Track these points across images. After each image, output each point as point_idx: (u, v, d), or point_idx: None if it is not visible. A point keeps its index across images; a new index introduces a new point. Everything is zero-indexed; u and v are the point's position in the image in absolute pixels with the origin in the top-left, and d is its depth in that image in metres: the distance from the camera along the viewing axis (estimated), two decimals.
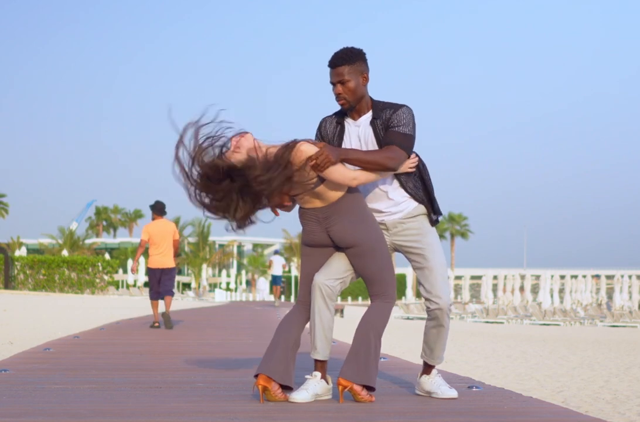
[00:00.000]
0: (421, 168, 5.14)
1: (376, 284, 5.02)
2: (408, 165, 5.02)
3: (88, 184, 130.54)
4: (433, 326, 5.14)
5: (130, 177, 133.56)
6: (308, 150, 4.80)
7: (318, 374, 5.04)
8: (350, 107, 5.01)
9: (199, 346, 9.81)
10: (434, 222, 5.17)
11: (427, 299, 5.07)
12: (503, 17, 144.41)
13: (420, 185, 5.13)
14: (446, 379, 6.15)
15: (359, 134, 5.04)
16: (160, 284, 12.93)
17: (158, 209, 13.04)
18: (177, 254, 13.07)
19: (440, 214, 5.19)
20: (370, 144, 5.02)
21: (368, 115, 5.06)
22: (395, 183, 5.09)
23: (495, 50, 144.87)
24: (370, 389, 4.94)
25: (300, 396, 4.93)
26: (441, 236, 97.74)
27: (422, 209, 5.14)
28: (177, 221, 70.91)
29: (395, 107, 5.01)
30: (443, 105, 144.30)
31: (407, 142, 4.94)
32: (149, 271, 13.11)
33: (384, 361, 7.59)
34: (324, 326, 5.00)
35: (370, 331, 4.96)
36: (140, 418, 4.38)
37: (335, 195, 4.93)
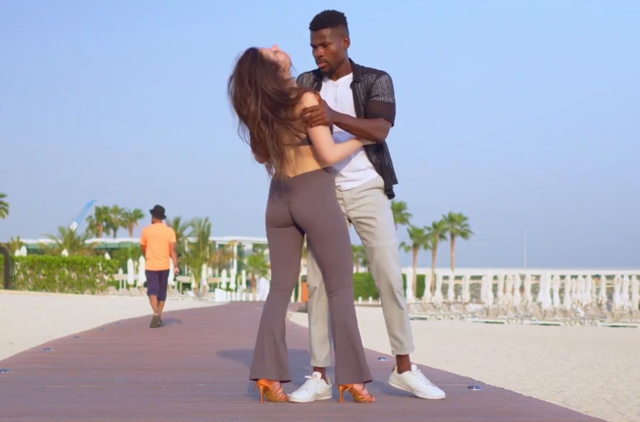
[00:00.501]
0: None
1: (336, 273, 4.94)
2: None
3: (88, 184, 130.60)
4: (391, 311, 5.09)
5: (130, 177, 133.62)
6: (309, 101, 4.84)
7: (318, 374, 5.05)
8: (330, 70, 5.01)
9: (199, 346, 9.81)
10: (390, 196, 5.15)
11: (377, 280, 5.07)
12: (503, 17, 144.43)
13: (382, 156, 5.12)
14: (446, 379, 6.16)
15: (336, 94, 5.04)
16: (159, 285, 13.73)
17: (157, 213, 13.68)
18: (172, 254, 13.73)
19: (396, 183, 5.17)
20: (347, 106, 5.02)
21: (348, 77, 5.06)
22: (361, 150, 5.09)
23: (495, 50, 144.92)
24: (368, 381, 4.94)
25: (300, 395, 4.94)
26: (441, 236, 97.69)
27: (380, 181, 5.11)
28: (177, 221, 70.98)
29: (378, 72, 5.04)
30: (443, 105, 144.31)
31: (392, 113, 5.01)
32: (147, 273, 13.80)
33: (384, 361, 7.59)
34: (321, 328, 5.06)
35: (349, 329, 4.91)
36: (140, 418, 4.38)
37: (310, 164, 4.92)
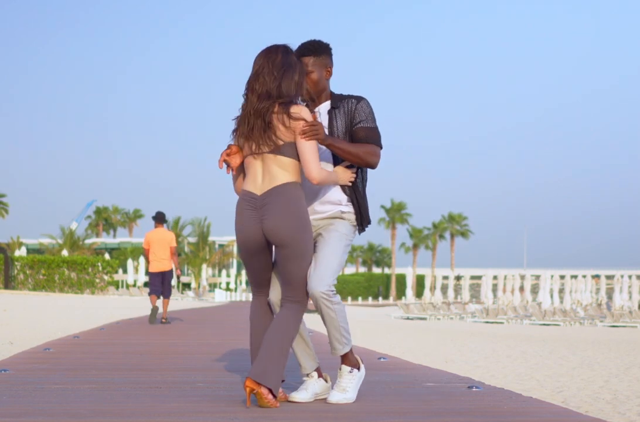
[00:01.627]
0: (358, 183, 5.10)
1: (293, 289, 4.92)
2: (348, 179, 5.02)
3: (88, 184, 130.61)
4: (320, 315, 5.08)
5: (130, 177, 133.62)
6: (307, 115, 4.84)
7: (315, 374, 5.10)
8: (310, 99, 5.04)
9: (199, 346, 9.81)
10: (360, 230, 5.15)
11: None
12: (503, 15, 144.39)
13: (358, 194, 5.10)
14: (446, 379, 6.16)
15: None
16: (162, 285, 14.85)
17: (159, 219, 14.87)
18: (173, 256, 14.93)
19: (369, 223, 5.16)
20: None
21: (326, 105, 5.09)
22: (337, 188, 5.08)
23: (494, 49, 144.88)
24: (266, 387, 4.76)
25: (300, 395, 4.97)
26: (441, 236, 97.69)
27: (351, 216, 5.09)
28: (177, 221, 71.01)
29: (357, 98, 5.06)
30: (443, 105, 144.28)
31: (379, 137, 5.04)
32: (150, 275, 14.92)
33: (384, 361, 7.60)
34: (297, 342, 5.10)
35: (278, 336, 4.85)
36: (140, 418, 4.38)
37: (280, 177, 4.84)
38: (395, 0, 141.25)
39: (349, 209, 5.07)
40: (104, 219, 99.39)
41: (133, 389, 5.54)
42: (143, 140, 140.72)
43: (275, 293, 5.03)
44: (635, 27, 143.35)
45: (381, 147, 5.05)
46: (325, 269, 4.89)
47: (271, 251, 5.03)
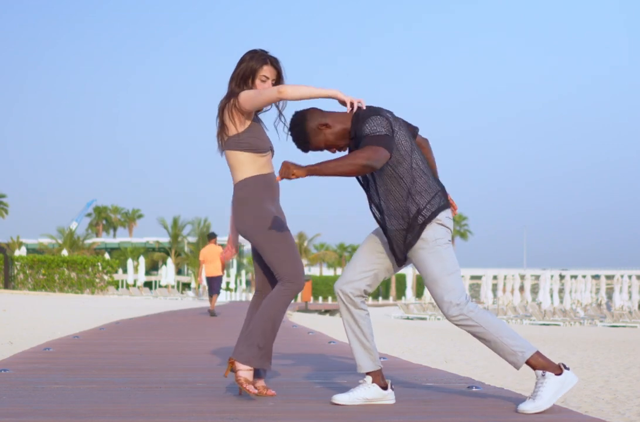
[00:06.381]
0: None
1: (276, 274, 5.09)
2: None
3: (88, 184, 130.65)
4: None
5: (129, 177, 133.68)
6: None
7: (368, 378, 4.93)
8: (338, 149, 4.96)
9: (199, 346, 9.81)
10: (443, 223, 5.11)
11: None
12: (502, 14, 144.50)
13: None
14: (446, 379, 6.16)
15: None
16: (214, 286, 19.63)
17: (210, 237, 19.61)
18: (223, 267, 19.60)
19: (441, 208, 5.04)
20: None
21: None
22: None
23: (492, 47, 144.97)
24: (246, 364, 5.04)
25: (339, 396, 4.89)
26: None
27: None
28: (176, 220, 71.02)
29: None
30: (443, 105, 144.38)
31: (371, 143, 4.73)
32: (207, 279, 19.74)
33: (384, 360, 7.60)
34: (356, 334, 4.94)
35: (265, 315, 5.07)
36: (140, 418, 4.39)
37: (235, 176, 5.15)
38: None
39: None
40: (103, 219, 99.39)
41: (133, 389, 5.55)
42: (143, 141, 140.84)
43: (338, 281, 5.00)
44: (635, 26, 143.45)
45: (378, 146, 4.64)
46: (436, 289, 4.74)
47: None
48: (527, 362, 4.71)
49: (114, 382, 5.90)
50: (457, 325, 4.78)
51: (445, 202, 4.84)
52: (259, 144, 5.09)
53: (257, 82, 5.08)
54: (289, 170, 4.53)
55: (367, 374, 4.93)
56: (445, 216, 4.82)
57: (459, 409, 4.72)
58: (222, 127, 5.08)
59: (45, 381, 5.98)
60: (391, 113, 4.90)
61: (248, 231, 5.11)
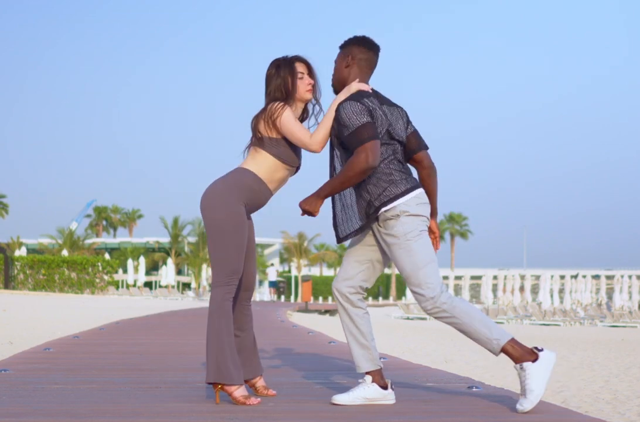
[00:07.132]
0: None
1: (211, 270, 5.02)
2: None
3: (88, 184, 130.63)
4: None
5: (129, 177, 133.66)
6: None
7: (368, 377, 4.90)
8: (334, 91, 5.04)
9: (199, 346, 9.80)
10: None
11: None
12: (502, 14, 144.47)
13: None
14: (446, 379, 6.16)
15: None
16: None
17: None
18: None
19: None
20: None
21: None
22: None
23: (492, 48, 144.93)
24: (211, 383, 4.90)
25: (338, 396, 4.87)
26: (441, 237, 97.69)
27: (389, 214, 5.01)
28: (176, 220, 71.01)
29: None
30: (442, 105, 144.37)
31: (359, 138, 4.73)
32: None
33: (383, 360, 7.59)
34: (353, 334, 4.93)
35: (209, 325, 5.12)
36: (140, 418, 4.39)
37: (251, 165, 4.99)
38: None
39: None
40: (103, 219, 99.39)
41: (133, 389, 5.55)
42: (143, 140, 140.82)
43: (335, 280, 4.99)
44: (635, 24, 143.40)
45: (367, 141, 4.67)
46: (410, 284, 4.76)
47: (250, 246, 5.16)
48: (504, 350, 4.70)
49: (114, 382, 5.90)
50: (434, 318, 4.81)
51: (409, 187, 4.81)
52: (289, 155, 4.97)
53: (297, 82, 5.01)
54: (311, 208, 4.70)
55: (367, 373, 4.92)
56: (415, 203, 4.79)
57: (459, 409, 4.72)
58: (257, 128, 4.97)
59: (45, 381, 5.98)
60: (387, 103, 4.96)
61: (212, 218, 4.90)
